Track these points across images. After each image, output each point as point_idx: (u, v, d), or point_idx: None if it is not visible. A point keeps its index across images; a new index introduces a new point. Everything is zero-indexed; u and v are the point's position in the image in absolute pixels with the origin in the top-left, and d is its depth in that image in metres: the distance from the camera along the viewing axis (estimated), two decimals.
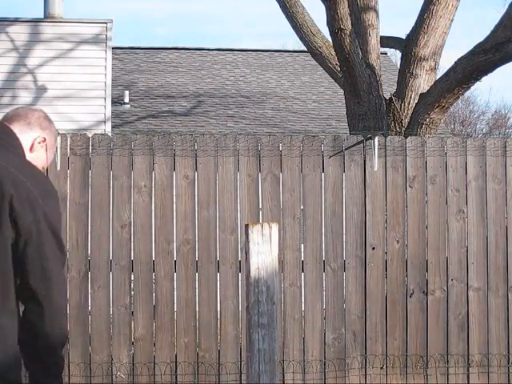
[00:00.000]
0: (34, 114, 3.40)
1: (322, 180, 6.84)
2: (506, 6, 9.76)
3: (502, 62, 9.79)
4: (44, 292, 3.03)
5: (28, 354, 3.06)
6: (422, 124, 9.99)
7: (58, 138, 6.60)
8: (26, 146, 3.32)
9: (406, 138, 7.01)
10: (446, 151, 6.98)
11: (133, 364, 6.58)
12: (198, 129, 17.54)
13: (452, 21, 10.58)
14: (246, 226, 3.51)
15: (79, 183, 6.61)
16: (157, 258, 6.61)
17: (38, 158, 3.36)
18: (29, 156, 3.31)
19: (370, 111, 10.14)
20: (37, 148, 3.36)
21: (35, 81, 13.95)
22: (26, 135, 3.33)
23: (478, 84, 10.99)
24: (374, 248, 6.83)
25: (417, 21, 10.62)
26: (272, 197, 6.73)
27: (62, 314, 3.11)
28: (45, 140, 3.39)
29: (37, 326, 3.03)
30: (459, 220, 6.93)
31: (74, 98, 13.88)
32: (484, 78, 10.09)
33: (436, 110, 9.95)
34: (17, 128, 3.32)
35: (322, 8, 10.12)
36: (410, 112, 10.26)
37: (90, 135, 6.79)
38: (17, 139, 3.28)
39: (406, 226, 6.89)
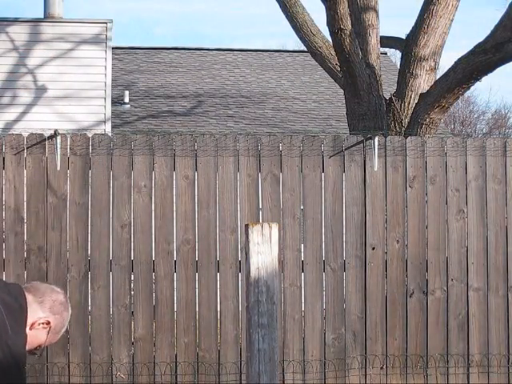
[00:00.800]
0: (52, 296, 3.49)
1: (321, 180, 6.84)
2: (506, 6, 9.76)
3: (502, 62, 9.78)
4: None
5: None
6: (422, 124, 9.98)
7: (58, 138, 6.61)
8: (28, 321, 3.37)
9: (405, 138, 7.01)
10: (445, 151, 6.98)
11: (133, 364, 6.58)
12: (198, 129, 17.54)
13: (452, 21, 10.58)
14: (246, 225, 3.51)
15: (79, 183, 6.61)
16: (157, 257, 6.61)
17: (35, 336, 3.41)
18: (28, 331, 3.37)
19: (370, 111, 10.14)
20: (37, 328, 3.42)
21: (35, 81, 13.96)
22: (33, 312, 3.40)
23: (478, 84, 10.99)
24: (373, 248, 6.83)
25: (417, 21, 10.62)
26: (272, 197, 6.73)
27: None
28: (49, 323, 3.46)
29: None
30: (459, 220, 6.93)
31: (73, 97, 13.88)
32: (484, 78, 10.10)
33: (436, 110, 9.94)
34: (29, 299, 3.40)
35: (322, 8, 10.12)
36: (410, 112, 10.26)
37: (90, 135, 6.79)
38: (25, 310, 3.36)
39: (405, 226, 6.89)
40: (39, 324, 3.42)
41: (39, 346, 3.48)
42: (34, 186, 6.59)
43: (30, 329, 3.40)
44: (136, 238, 6.61)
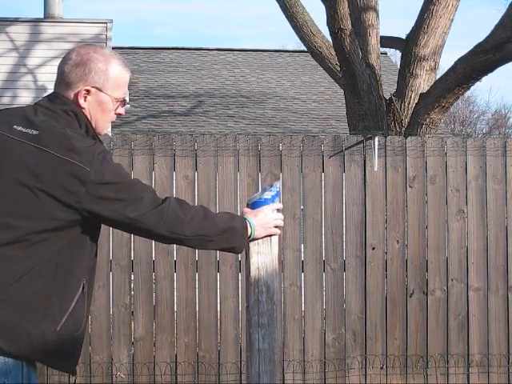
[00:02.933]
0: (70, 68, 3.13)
1: (322, 180, 6.84)
2: (506, 6, 9.77)
3: (502, 62, 9.79)
4: None
5: None
6: (422, 124, 9.99)
7: None
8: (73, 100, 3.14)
9: (406, 138, 7.01)
10: (445, 151, 6.98)
11: (133, 364, 6.58)
12: (198, 129, 17.54)
13: (452, 21, 10.59)
14: None
15: None
16: (157, 257, 6.61)
17: (95, 106, 3.18)
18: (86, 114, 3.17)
19: (370, 111, 10.14)
20: (82, 101, 3.13)
21: (35, 81, 13.96)
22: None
23: (478, 84, 10.99)
24: (374, 248, 6.83)
25: (417, 21, 10.62)
26: None
27: None
28: (87, 91, 3.13)
29: None
30: (459, 220, 6.93)
31: None
32: (484, 78, 10.10)
33: (436, 110, 9.95)
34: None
35: (322, 8, 10.13)
36: (410, 112, 10.27)
37: None
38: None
39: (405, 226, 6.89)
40: (80, 97, 3.05)
41: (119, 105, 3.16)
42: None
43: (79, 106, 3.05)
44: (136, 238, 6.60)
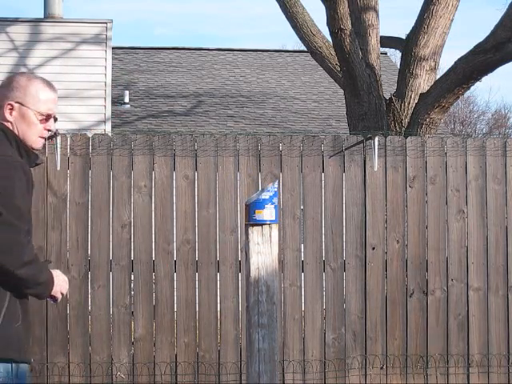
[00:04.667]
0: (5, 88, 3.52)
1: (322, 180, 6.84)
2: (506, 6, 9.77)
3: (502, 62, 9.79)
4: None
5: None
6: (422, 124, 9.99)
7: (58, 138, 6.61)
8: None
9: (406, 138, 7.01)
10: (446, 151, 6.98)
11: (133, 364, 6.58)
12: (198, 129, 17.54)
13: (452, 21, 10.59)
14: (246, 225, 3.51)
15: (79, 183, 6.61)
16: (157, 257, 6.61)
17: (19, 122, 3.49)
18: (8, 126, 3.52)
19: (370, 111, 10.14)
20: (7, 116, 3.47)
21: None
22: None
23: (478, 84, 10.98)
24: (374, 248, 6.83)
25: (417, 21, 10.62)
26: None
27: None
28: (10, 105, 3.45)
29: None
30: (459, 220, 6.94)
31: (74, 97, 13.88)
32: (484, 78, 10.10)
33: (436, 110, 9.95)
34: None
35: (322, 8, 10.12)
36: (410, 112, 10.26)
37: (90, 135, 6.79)
38: None
39: (405, 226, 6.89)
40: (5, 112, 3.42)
41: (46, 129, 3.47)
42: (34, 186, 6.57)
43: (6, 120, 3.42)
44: (136, 238, 6.61)
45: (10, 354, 3.36)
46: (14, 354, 3.37)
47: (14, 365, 3.37)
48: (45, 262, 3.57)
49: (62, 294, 3.49)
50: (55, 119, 3.53)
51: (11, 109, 3.42)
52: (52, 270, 3.48)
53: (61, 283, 3.49)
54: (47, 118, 3.49)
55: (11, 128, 3.42)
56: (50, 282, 3.44)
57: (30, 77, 3.51)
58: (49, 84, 3.51)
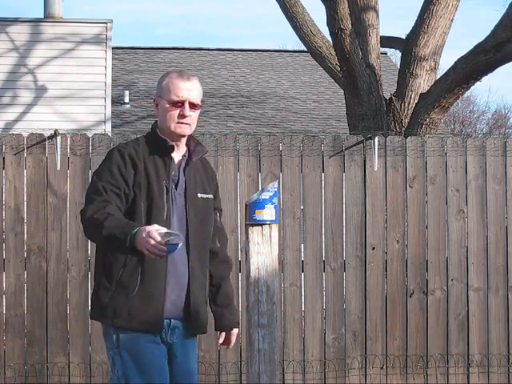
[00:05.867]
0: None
1: (322, 180, 6.84)
2: (506, 6, 9.77)
3: (502, 61, 9.79)
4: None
5: None
6: (422, 124, 9.98)
7: (58, 138, 6.61)
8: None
9: (406, 138, 7.01)
10: (446, 151, 6.98)
11: None
12: (198, 129, 17.48)
13: (452, 21, 10.58)
14: (246, 225, 3.51)
15: (79, 183, 6.61)
16: None
17: (159, 115, 3.84)
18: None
19: (370, 111, 10.14)
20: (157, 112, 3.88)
21: (35, 81, 13.95)
22: None
23: (478, 84, 10.96)
24: (373, 248, 6.83)
25: (417, 21, 10.61)
26: None
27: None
28: (155, 100, 3.83)
29: None
30: (459, 220, 6.94)
31: (74, 97, 13.88)
32: (484, 78, 10.10)
33: (436, 110, 9.94)
34: None
35: (322, 8, 10.12)
36: (410, 112, 10.26)
37: (90, 135, 6.79)
38: None
39: (405, 226, 6.89)
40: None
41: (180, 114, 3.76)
42: (34, 186, 6.59)
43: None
44: None
45: (104, 320, 3.68)
46: (107, 321, 3.66)
47: (114, 333, 3.64)
48: (118, 222, 3.51)
49: (147, 249, 3.36)
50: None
51: None
52: (141, 228, 3.42)
53: (140, 240, 3.37)
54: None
55: None
56: (113, 239, 3.44)
57: None
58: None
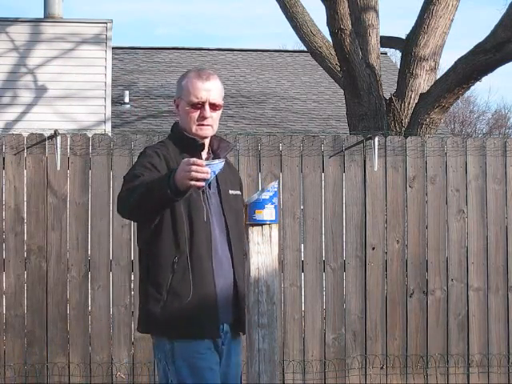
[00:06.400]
0: None
1: (322, 180, 6.84)
2: (506, 6, 9.76)
3: (502, 61, 9.78)
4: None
5: None
6: (422, 124, 9.98)
7: (58, 138, 6.61)
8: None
9: (406, 138, 7.01)
10: (446, 151, 6.99)
11: (133, 364, 6.58)
12: None
13: (452, 21, 10.57)
14: (246, 225, 3.51)
15: (79, 183, 6.61)
16: None
17: (180, 116, 3.79)
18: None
19: (370, 111, 10.14)
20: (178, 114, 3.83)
21: (35, 81, 13.95)
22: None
23: (478, 84, 10.96)
24: (373, 248, 6.83)
25: (417, 21, 10.61)
26: None
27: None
28: (175, 102, 3.79)
29: None
30: (459, 220, 6.94)
31: (74, 97, 13.88)
32: (484, 78, 10.09)
33: (436, 110, 9.94)
34: None
35: (322, 8, 10.12)
36: (410, 112, 10.26)
37: (90, 135, 6.79)
38: None
39: (405, 226, 6.89)
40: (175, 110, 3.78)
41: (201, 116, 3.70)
42: (34, 186, 6.59)
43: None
44: (136, 238, 6.60)
45: (158, 332, 3.60)
46: (161, 332, 3.57)
47: (168, 343, 3.55)
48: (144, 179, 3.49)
49: (190, 178, 3.27)
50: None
51: None
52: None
53: (180, 174, 3.29)
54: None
55: None
56: (151, 191, 3.37)
57: None
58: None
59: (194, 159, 3.27)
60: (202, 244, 3.60)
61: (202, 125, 3.68)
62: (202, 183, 3.27)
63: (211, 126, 3.71)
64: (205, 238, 3.61)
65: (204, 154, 3.74)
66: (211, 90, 3.69)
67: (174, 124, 3.79)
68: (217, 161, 3.33)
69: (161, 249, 3.59)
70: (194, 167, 3.23)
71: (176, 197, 3.34)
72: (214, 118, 3.71)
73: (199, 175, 3.23)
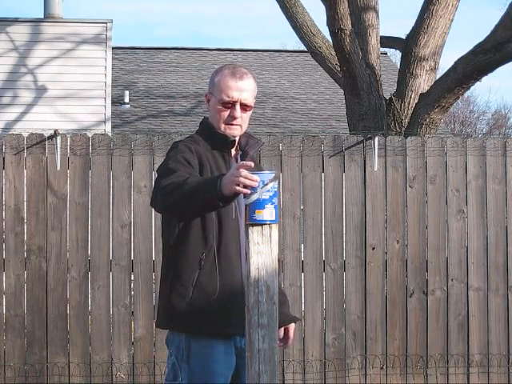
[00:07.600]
0: None
1: (322, 180, 6.84)
2: (506, 6, 9.77)
3: (502, 62, 9.79)
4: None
5: None
6: (422, 124, 9.98)
7: (58, 138, 6.61)
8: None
9: (406, 138, 7.01)
10: (446, 151, 6.99)
11: (133, 364, 6.59)
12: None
13: (452, 21, 10.58)
14: (246, 225, 3.51)
15: (79, 183, 6.61)
16: (157, 257, 6.61)
17: (211, 111, 3.70)
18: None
19: (370, 111, 10.14)
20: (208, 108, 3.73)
21: (35, 81, 13.96)
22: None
23: (478, 84, 10.97)
24: (373, 248, 6.83)
25: (417, 21, 10.62)
26: None
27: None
28: (206, 96, 3.71)
29: None
30: (459, 220, 6.94)
31: (74, 97, 13.89)
32: (484, 78, 10.10)
33: (436, 110, 9.95)
34: None
35: (322, 8, 10.12)
36: (410, 112, 10.26)
37: (90, 135, 6.79)
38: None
39: (405, 226, 6.89)
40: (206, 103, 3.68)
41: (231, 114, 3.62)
42: (34, 186, 6.59)
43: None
44: (136, 238, 6.61)
45: (179, 327, 3.57)
46: (181, 328, 3.55)
47: (184, 340, 3.53)
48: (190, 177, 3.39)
49: (238, 183, 3.14)
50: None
51: None
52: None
53: (228, 179, 3.18)
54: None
55: None
56: (198, 192, 3.25)
57: None
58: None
59: (245, 162, 3.19)
60: (231, 241, 3.57)
61: (232, 124, 3.61)
62: (248, 190, 3.17)
63: (240, 125, 3.64)
64: (233, 236, 3.58)
65: (233, 151, 3.69)
66: (244, 90, 3.61)
67: (204, 119, 3.71)
68: (267, 171, 3.28)
69: (189, 245, 3.54)
70: (243, 173, 3.13)
71: (221, 202, 3.25)
72: (243, 118, 3.64)
73: (247, 182, 3.13)
